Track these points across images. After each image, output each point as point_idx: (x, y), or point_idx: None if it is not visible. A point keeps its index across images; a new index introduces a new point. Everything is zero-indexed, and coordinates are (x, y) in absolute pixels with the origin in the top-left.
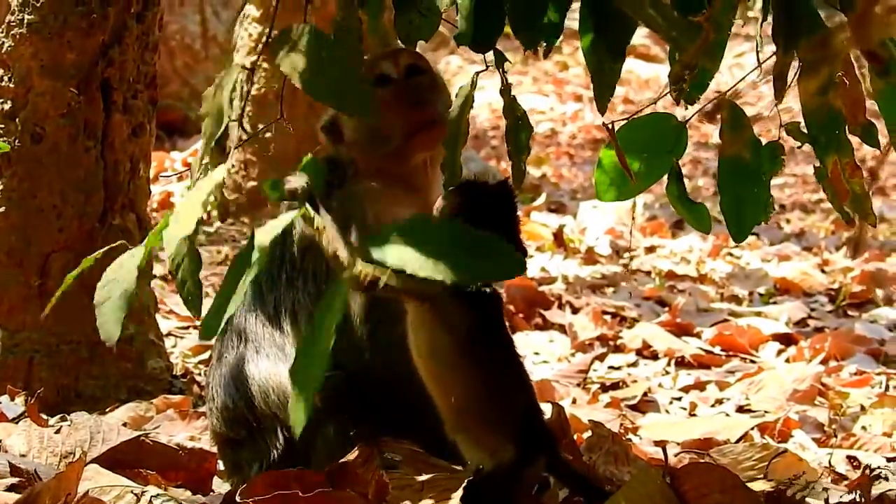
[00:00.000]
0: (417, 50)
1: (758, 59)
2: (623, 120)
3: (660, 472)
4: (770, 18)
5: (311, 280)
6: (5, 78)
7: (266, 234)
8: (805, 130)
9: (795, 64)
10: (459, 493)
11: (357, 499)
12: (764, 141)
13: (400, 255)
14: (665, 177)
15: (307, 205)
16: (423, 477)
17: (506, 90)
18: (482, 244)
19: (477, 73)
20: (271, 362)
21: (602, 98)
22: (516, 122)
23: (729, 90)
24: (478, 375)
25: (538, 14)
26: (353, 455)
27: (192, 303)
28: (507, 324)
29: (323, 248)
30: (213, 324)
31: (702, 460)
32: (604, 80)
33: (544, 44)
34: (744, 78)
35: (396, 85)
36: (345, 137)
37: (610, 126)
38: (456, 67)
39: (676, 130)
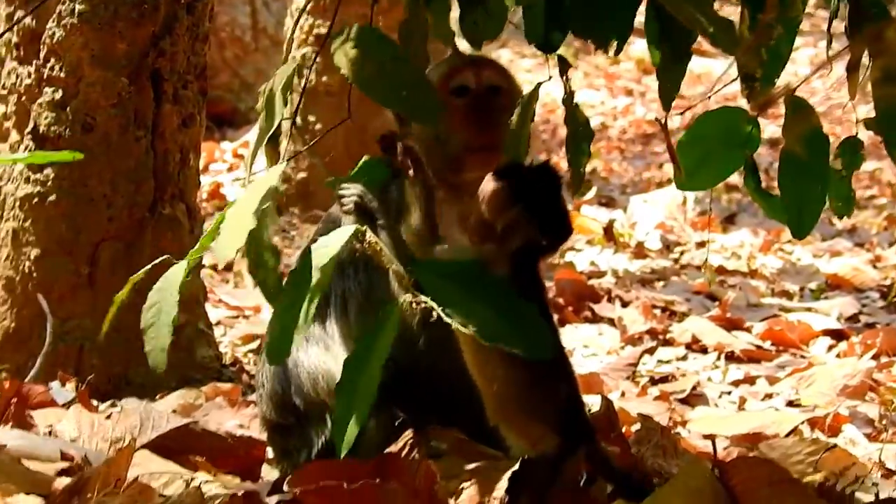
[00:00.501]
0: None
1: (828, 55)
2: (678, 114)
3: (708, 466)
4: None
5: (363, 270)
6: (56, 67)
7: (323, 254)
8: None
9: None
10: (504, 483)
11: (402, 490)
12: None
13: (446, 300)
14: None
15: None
16: (470, 466)
17: (569, 98)
18: (521, 316)
19: (539, 84)
20: (320, 350)
21: (667, 97)
22: (577, 130)
23: (800, 83)
24: (522, 366)
25: (610, 14)
26: (400, 444)
27: (273, 296)
28: (552, 315)
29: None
30: (281, 348)
31: (751, 454)
32: (669, 77)
33: (615, 42)
34: (816, 70)
35: (473, 100)
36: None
37: (662, 121)
38: (506, 62)
39: (749, 124)
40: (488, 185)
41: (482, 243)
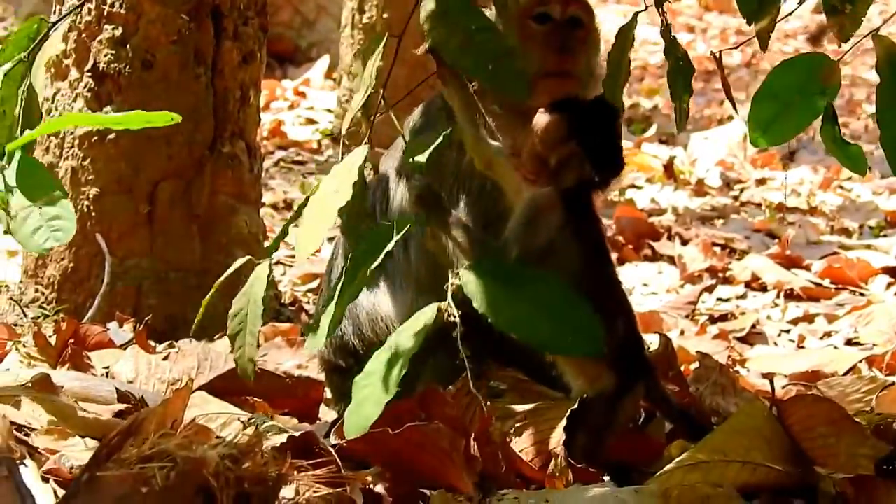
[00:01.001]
0: None
1: None
2: (732, 48)
3: (766, 405)
4: None
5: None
6: (116, 4)
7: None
8: None
9: None
10: (563, 423)
11: (446, 430)
12: None
13: (497, 307)
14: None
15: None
16: (527, 406)
17: (666, 30)
18: (573, 317)
19: (637, 13)
20: (381, 291)
21: (763, 31)
22: (678, 63)
23: (880, 27)
24: None
25: None
26: (458, 384)
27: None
28: (609, 253)
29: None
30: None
31: (809, 392)
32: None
33: None
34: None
35: (554, 26)
36: None
37: (717, 56)
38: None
39: (829, 70)
40: (543, 117)
41: (534, 178)
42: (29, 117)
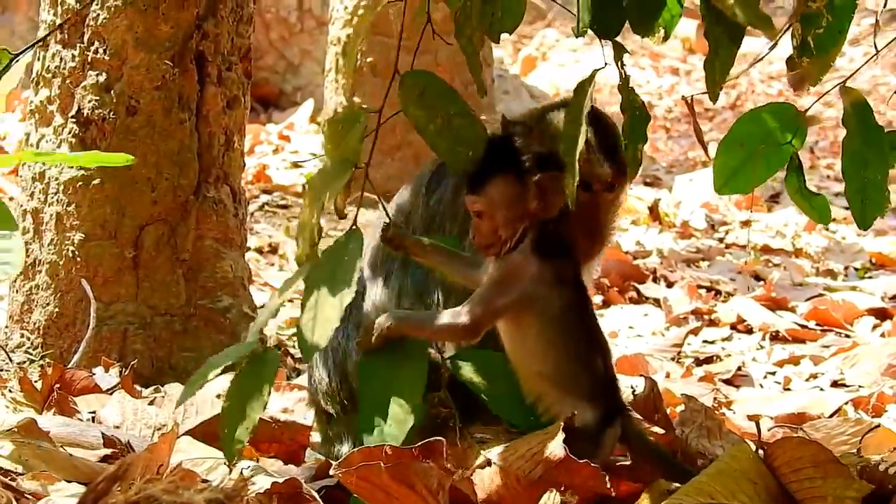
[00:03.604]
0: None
1: (875, 44)
2: (701, 94)
3: (752, 447)
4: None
5: (415, 264)
6: (100, 50)
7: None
8: None
9: None
10: (560, 434)
11: (437, 469)
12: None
13: (476, 381)
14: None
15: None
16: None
17: (624, 84)
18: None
19: (595, 71)
20: None
21: (713, 83)
22: (634, 114)
23: (853, 73)
24: (558, 345)
25: (660, 6)
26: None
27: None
28: (586, 292)
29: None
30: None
31: (795, 435)
32: (717, 64)
33: (662, 30)
34: (865, 63)
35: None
36: None
37: (689, 100)
38: (553, 41)
39: (795, 120)
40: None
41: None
42: None
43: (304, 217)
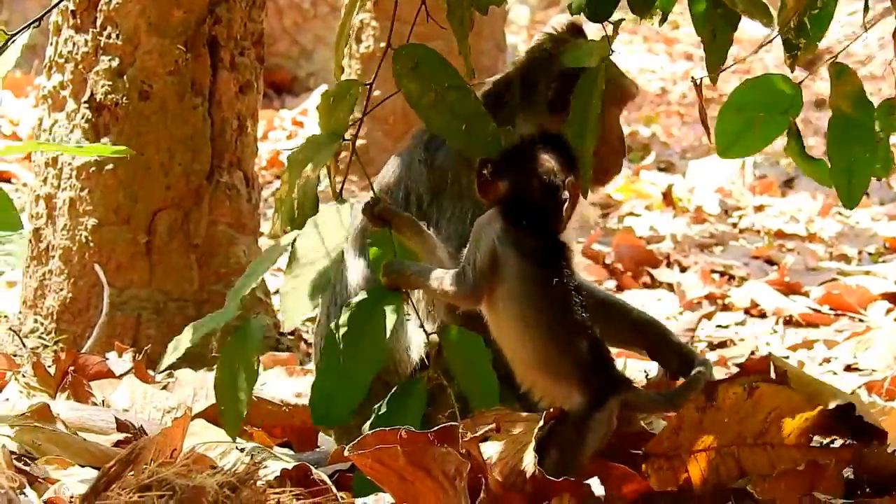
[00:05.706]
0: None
1: (864, 21)
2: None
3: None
4: None
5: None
6: (113, 35)
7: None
8: None
9: None
10: (533, 443)
11: (455, 456)
12: (877, 100)
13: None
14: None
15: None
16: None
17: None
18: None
19: (604, 59)
20: None
21: (713, 66)
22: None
23: (843, 49)
24: (540, 331)
25: None
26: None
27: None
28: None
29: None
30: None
31: None
32: (715, 47)
33: (660, 12)
34: (855, 39)
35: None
36: None
37: (697, 82)
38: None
39: (791, 89)
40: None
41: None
42: None
43: (282, 191)
